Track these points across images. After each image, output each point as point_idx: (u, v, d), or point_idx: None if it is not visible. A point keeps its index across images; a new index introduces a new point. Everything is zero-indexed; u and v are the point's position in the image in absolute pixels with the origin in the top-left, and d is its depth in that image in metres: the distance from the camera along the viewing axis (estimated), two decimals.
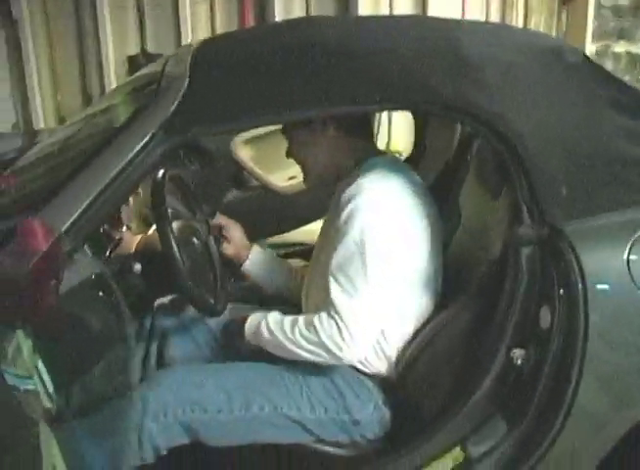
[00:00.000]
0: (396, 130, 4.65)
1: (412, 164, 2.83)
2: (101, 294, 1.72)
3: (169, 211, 2.06)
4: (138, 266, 1.84)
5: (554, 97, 1.54)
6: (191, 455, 1.79)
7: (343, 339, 1.60)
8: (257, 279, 2.13)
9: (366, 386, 1.76)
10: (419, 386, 1.73)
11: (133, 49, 4.87)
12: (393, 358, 1.76)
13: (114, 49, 4.81)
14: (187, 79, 1.56)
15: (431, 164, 2.64)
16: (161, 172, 1.88)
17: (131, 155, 1.51)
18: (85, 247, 1.81)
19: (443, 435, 1.66)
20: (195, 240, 1.96)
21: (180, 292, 1.86)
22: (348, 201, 1.64)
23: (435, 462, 1.66)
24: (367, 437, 1.77)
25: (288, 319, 1.71)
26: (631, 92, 1.63)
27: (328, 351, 1.62)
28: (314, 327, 1.63)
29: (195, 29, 4.82)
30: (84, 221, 1.52)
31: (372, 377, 1.78)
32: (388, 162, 1.80)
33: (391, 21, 1.90)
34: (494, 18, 4.94)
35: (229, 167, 3.48)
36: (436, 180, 2.47)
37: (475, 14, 4.88)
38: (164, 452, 1.72)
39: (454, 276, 1.85)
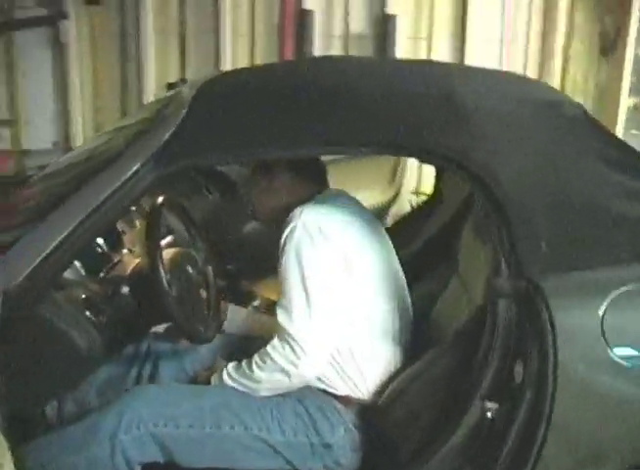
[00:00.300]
0: (426, 173, 4.66)
1: (428, 209, 2.86)
2: (88, 314, 1.76)
3: (170, 237, 2.10)
4: (126, 289, 1.87)
5: (546, 150, 1.54)
6: None
7: (296, 354, 1.67)
8: (239, 334, 2.17)
9: (336, 409, 1.78)
10: (393, 426, 1.73)
11: (174, 76, 4.98)
12: (357, 380, 1.78)
13: (156, 75, 4.92)
14: (185, 112, 1.61)
15: (446, 210, 2.64)
16: (160, 199, 1.92)
17: (121, 181, 1.56)
18: (79, 267, 1.86)
19: None
20: (189, 268, 1.99)
21: (168, 318, 1.89)
22: (283, 231, 1.72)
23: None
24: (340, 462, 1.76)
25: (245, 361, 1.78)
26: (630, 151, 1.62)
27: (284, 371, 1.69)
28: (267, 354, 1.71)
29: (235, 61, 4.91)
30: (72, 242, 1.56)
31: (342, 401, 1.79)
32: (332, 195, 1.88)
33: (397, 64, 1.92)
34: (532, 67, 4.93)
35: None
36: (443, 227, 2.47)
37: (514, 63, 4.88)
38: (137, 468, 1.73)
39: (444, 324, 1.85)
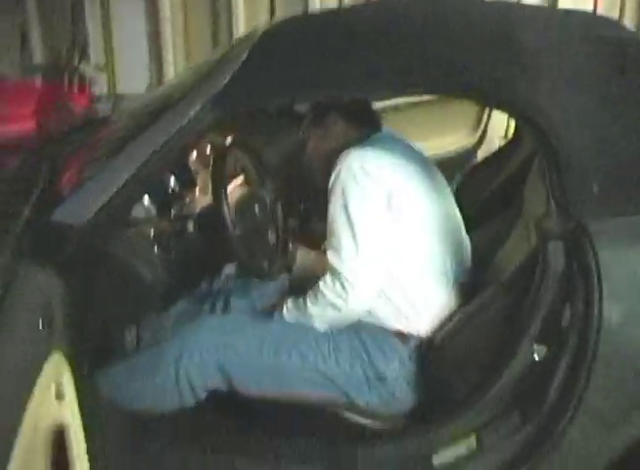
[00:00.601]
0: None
1: (509, 151, 2.82)
2: (156, 250, 1.86)
3: (241, 177, 2.17)
4: (193, 227, 1.95)
5: (604, 92, 1.49)
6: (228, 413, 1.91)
7: (345, 290, 1.74)
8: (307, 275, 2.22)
9: (392, 343, 1.82)
10: (447, 364, 1.77)
11: (263, 17, 5.01)
12: (411, 318, 1.82)
13: (245, 20, 4.96)
14: (245, 56, 1.65)
15: (522, 152, 2.60)
16: (228, 140, 1.98)
17: (181, 123, 1.62)
18: (150, 205, 1.96)
19: (462, 422, 1.68)
20: (256, 207, 2.05)
21: (232, 256, 1.96)
22: (334, 169, 1.77)
23: (450, 447, 1.68)
24: (395, 395, 1.81)
25: (302, 297, 1.86)
26: None
27: (334, 306, 1.77)
28: (319, 290, 1.79)
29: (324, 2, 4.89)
30: (137, 180, 1.64)
31: (398, 336, 1.83)
32: (383, 137, 1.91)
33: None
34: None
35: None
36: (517, 170, 2.44)
37: None
38: (202, 395, 1.83)
39: (504, 268, 1.85)
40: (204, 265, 2.07)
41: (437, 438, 1.72)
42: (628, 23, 4.50)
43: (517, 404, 1.61)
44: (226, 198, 1.89)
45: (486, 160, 3.08)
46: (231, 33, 5.09)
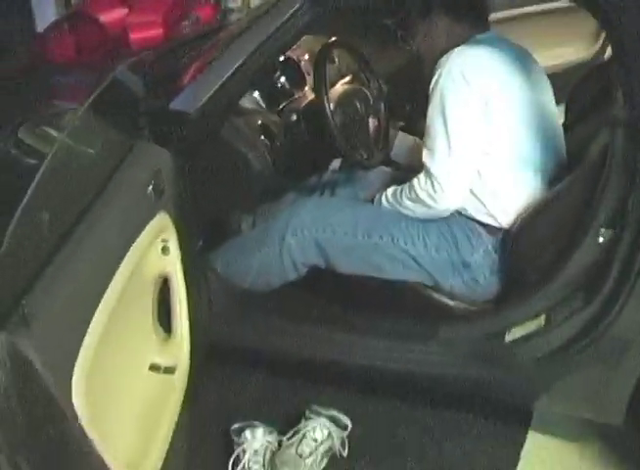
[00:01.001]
0: None
1: None
2: (263, 138, 2.05)
3: (348, 77, 2.30)
4: (299, 119, 2.12)
5: None
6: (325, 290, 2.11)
7: (435, 189, 1.83)
8: (405, 162, 2.34)
9: (478, 232, 1.91)
10: (524, 250, 1.85)
11: None
12: (498, 215, 1.90)
13: None
14: None
15: None
16: (332, 40, 2.12)
17: (283, 19, 1.77)
18: (260, 99, 2.14)
19: (533, 302, 1.79)
20: (357, 102, 2.18)
21: (334, 147, 2.11)
22: (435, 72, 1.83)
23: (521, 326, 1.80)
24: (478, 280, 1.92)
25: (400, 188, 1.96)
26: None
27: (425, 203, 1.87)
28: (412, 186, 1.89)
29: None
30: (244, 71, 1.82)
31: (485, 227, 1.92)
32: (487, 38, 1.92)
33: None
34: None
35: None
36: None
37: None
38: (302, 270, 2.03)
39: None
40: (310, 158, 2.24)
41: (510, 317, 1.83)
42: None
43: (582, 286, 1.69)
44: (327, 91, 2.03)
45: (596, 68, 3.00)
46: None
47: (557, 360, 1.72)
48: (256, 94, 2.13)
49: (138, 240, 1.40)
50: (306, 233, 1.99)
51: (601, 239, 1.61)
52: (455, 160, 1.82)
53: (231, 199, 2.05)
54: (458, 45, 1.88)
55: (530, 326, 1.78)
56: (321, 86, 2.02)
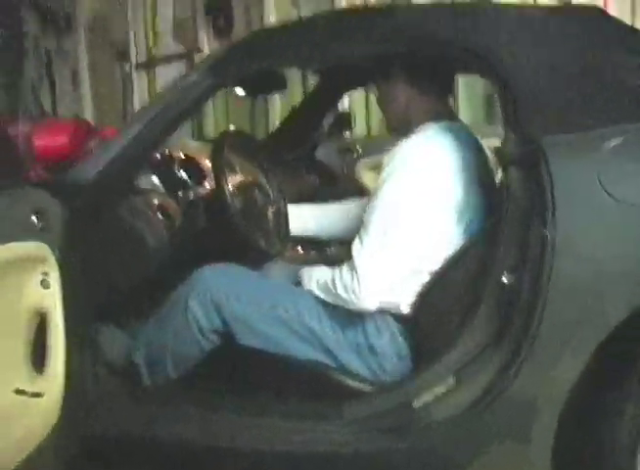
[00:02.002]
0: None
1: None
2: (160, 217, 2.00)
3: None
4: (192, 201, 2.10)
5: (558, 35, 1.65)
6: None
7: (354, 292, 1.74)
8: (306, 233, 2.33)
9: (385, 316, 1.84)
10: (430, 320, 1.80)
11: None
12: (408, 294, 1.83)
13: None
14: None
15: None
16: (231, 128, 2.17)
17: (181, 88, 1.84)
18: (159, 183, 2.13)
19: (440, 366, 1.71)
20: (257, 192, 2.19)
21: (233, 233, 2.08)
22: (387, 160, 1.79)
23: (430, 391, 1.71)
24: (385, 367, 1.83)
25: (323, 275, 1.86)
26: None
27: (345, 301, 1.78)
28: (333, 281, 1.79)
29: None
30: (140, 141, 1.82)
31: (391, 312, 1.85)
32: (449, 129, 1.84)
33: None
34: None
35: (353, 191, 3.71)
36: None
37: None
38: (214, 337, 1.87)
39: None
40: (209, 244, 2.18)
41: (418, 388, 1.74)
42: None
43: (491, 338, 1.64)
44: (227, 177, 2.04)
45: None
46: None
47: (468, 421, 1.62)
48: (155, 179, 2.11)
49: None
50: (210, 297, 1.87)
51: (505, 279, 1.59)
52: (387, 257, 1.74)
53: (124, 273, 1.94)
54: (421, 113, 1.89)
55: (439, 389, 1.69)
56: (220, 170, 2.03)
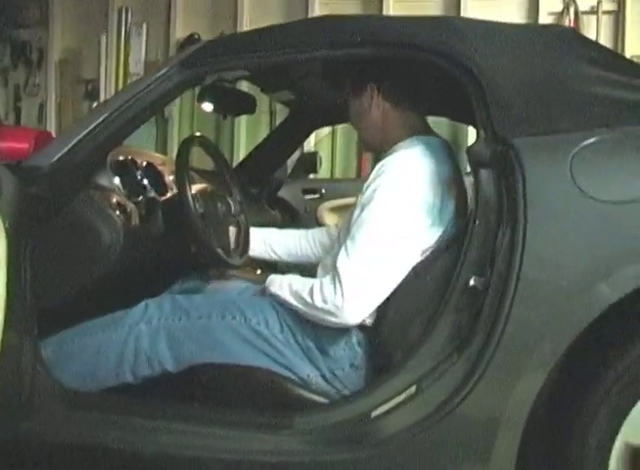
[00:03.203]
0: None
1: None
2: (117, 213, 1.93)
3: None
4: (152, 203, 2.06)
5: (529, 47, 1.68)
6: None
7: (336, 306, 1.67)
8: (270, 256, 2.32)
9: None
10: (392, 328, 1.74)
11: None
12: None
13: (246, 150, 5.29)
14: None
15: None
16: (195, 134, 2.15)
17: (149, 81, 1.81)
18: (120, 185, 2.06)
19: (401, 377, 1.65)
20: (219, 203, 2.14)
21: (192, 238, 2.02)
22: (373, 177, 1.74)
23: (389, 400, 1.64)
24: (335, 373, 1.77)
25: (297, 283, 1.80)
26: (610, 54, 1.74)
27: (323, 313, 1.70)
28: (311, 292, 1.71)
29: None
30: (103, 129, 1.79)
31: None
32: (429, 144, 1.82)
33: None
34: None
35: None
36: None
37: None
38: (139, 372, 1.81)
39: None
40: (166, 248, 2.11)
41: (376, 398, 1.67)
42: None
43: (454, 345, 1.59)
44: (189, 182, 2.00)
45: None
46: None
47: (428, 431, 1.55)
48: (117, 180, 2.05)
49: None
50: (162, 322, 1.82)
51: (472, 282, 1.55)
52: (375, 273, 1.68)
53: (74, 267, 1.85)
54: (399, 133, 1.86)
55: (399, 398, 1.62)
56: (184, 171, 1.99)
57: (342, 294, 1.66)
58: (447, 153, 1.85)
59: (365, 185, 1.76)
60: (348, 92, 1.96)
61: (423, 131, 1.89)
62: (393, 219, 1.69)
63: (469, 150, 1.59)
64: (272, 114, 5.23)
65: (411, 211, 1.70)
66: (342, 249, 1.71)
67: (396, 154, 1.79)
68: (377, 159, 2.00)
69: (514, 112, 1.56)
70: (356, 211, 1.74)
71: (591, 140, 1.50)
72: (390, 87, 1.88)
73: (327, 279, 1.71)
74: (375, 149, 1.99)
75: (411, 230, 1.70)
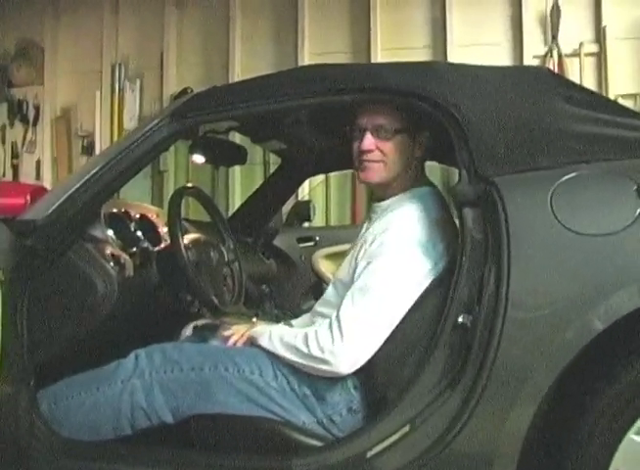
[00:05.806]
0: None
1: None
2: (112, 264, 1.96)
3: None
4: (146, 255, 2.08)
5: (507, 87, 1.74)
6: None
7: (333, 354, 1.69)
8: None
9: None
10: (385, 369, 1.75)
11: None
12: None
13: (241, 199, 5.34)
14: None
15: None
16: (187, 185, 2.18)
17: (141, 133, 1.85)
18: (114, 236, 2.09)
19: (395, 417, 1.65)
20: (212, 251, 2.18)
21: (186, 286, 2.05)
22: (380, 231, 1.77)
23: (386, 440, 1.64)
24: (333, 419, 1.77)
25: (286, 333, 1.82)
26: (587, 92, 1.80)
27: (318, 362, 1.71)
28: (306, 340, 1.72)
29: None
30: (96, 182, 1.83)
31: None
32: (435, 196, 1.88)
33: None
34: None
35: (309, 278, 3.72)
36: None
37: None
38: (137, 424, 1.81)
39: None
40: (160, 299, 2.14)
41: (371, 439, 1.67)
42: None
43: (446, 382, 1.60)
44: (181, 231, 2.04)
45: None
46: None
47: (423, 467, 1.56)
48: (111, 232, 2.09)
49: None
50: (154, 375, 1.82)
51: (460, 319, 1.58)
52: (377, 323, 1.70)
53: (68, 320, 1.87)
54: (410, 180, 1.88)
55: (394, 437, 1.63)
56: (176, 220, 2.03)
57: (342, 341, 1.68)
58: (441, 201, 1.88)
59: (369, 236, 1.79)
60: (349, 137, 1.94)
61: (426, 182, 1.93)
62: (400, 274, 1.72)
63: (453, 190, 1.64)
64: (266, 164, 5.28)
65: (415, 265, 1.73)
66: (348, 298, 1.72)
67: (401, 210, 1.81)
68: (370, 206, 2.03)
69: (495, 151, 1.61)
70: (362, 263, 1.76)
71: (570, 176, 1.55)
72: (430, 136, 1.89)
73: (323, 328, 1.73)
74: (381, 188, 1.94)
75: (414, 282, 1.73)
